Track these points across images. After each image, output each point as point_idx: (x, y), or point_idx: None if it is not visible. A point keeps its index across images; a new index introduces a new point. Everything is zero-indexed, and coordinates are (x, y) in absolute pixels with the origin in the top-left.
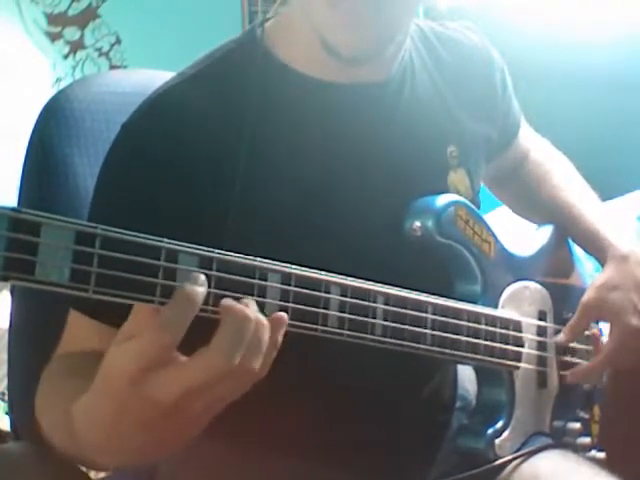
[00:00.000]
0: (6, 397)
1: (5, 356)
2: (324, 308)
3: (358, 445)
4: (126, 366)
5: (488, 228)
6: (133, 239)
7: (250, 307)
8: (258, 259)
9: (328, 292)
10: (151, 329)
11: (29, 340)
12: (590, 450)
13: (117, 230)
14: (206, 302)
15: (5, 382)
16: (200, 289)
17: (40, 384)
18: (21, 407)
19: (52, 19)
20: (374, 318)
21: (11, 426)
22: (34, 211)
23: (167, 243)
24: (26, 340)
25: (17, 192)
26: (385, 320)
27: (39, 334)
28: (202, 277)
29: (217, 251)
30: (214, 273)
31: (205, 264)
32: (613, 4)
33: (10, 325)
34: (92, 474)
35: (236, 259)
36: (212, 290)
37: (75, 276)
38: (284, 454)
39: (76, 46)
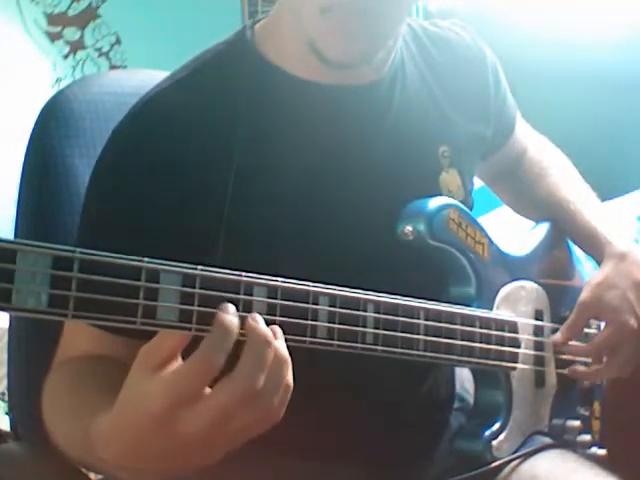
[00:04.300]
0: (6, 397)
1: (5, 356)
2: (312, 320)
3: (355, 443)
4: (157, 404)
5: (481, 229)
6: (112, 260)
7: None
8: (243, 273)
9: (316, 303)
10: (191, 363)
11: (29, 340)
12: (590, 447)
13: (95, 252)
14: (189, 320)
15: (5, 382)
16: (235, 318)
17: (46, 395)
18: (21, 407)
19: (52, 19)
20: (364, 327)
21: (11, 426)
22: (9, 238)
23: (147, 262)
24: (26, 340)
25: (17, 192)
26: (376, 328)
27: (39, 334)
28: (232, 307)
29: (200, 267)
30: (197, 291)
31: (188, 282)
32: (613, 3)
33: (10, 325)
34: (92, 474)
35: (220, 275)
36: (195, 308)
37: (54, 301)
38: (280, 453)
39: (76, 46)
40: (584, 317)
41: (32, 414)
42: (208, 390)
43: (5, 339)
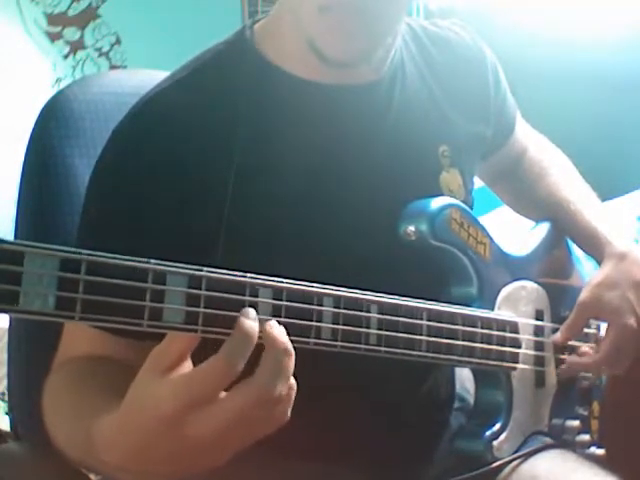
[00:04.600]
0: (6, 397)
1: (5, 356)
2: (317, 321)
3: (356, 444)
4: (166, 407)
5: (483, 229)
6: (119, 262)
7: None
8: (249, 275)
9: (321, 304)
10: (207, 368)
11: (29, 340)
12: (589, 447)
13: (102, 254)
14: (196, 322)
15: (5, 382)
16: (256, 323)
17: (46, 396)
18: (21, 407)
19: (52, 19)
20: (368, 328)
21: (11, 426)
22: (17, 240)
23: (154, 264)
24: (26, 340)
25: (17, 192)
26: (380, 329)
27: (39, 334)
28: (253, 311)
29: (206, 269)
30: (204, 292)
31: (194, 283)
32: (613, 3)
33: (10, 325)
34: (92, 475)
35: (225, 276)
36: (201, 310)
37: (61, 303)
38: (283, 454)
39: (76, 46)
40: (584, 317)
41: (32, 414)
42: (223, 393)
43: (5, 339)
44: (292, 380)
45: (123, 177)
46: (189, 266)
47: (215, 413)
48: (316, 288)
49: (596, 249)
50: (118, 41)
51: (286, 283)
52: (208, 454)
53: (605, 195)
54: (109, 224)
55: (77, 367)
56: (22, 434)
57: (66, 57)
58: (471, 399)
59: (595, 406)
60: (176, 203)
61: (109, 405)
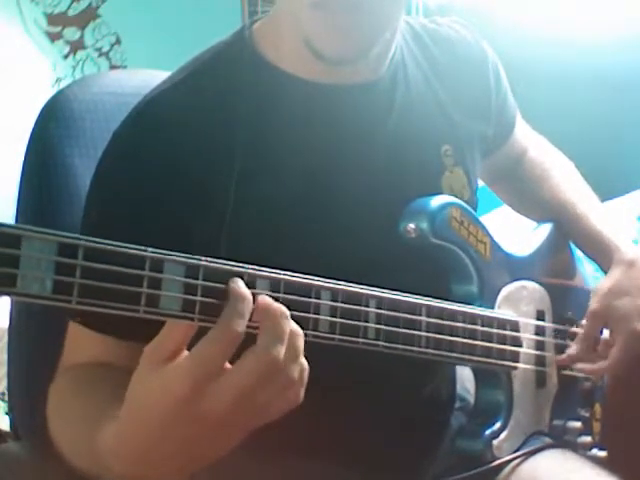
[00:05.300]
0: (6, 397)
1: (5, 356)
2: (314, 313)
3: (356, 443)
4: (178, 389)
5: (484, 228)
6: (116, 249)
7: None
8: (247, 265)
9: (318, 297)
10: (208, 341)
11: (29, 340)
12: (591, 449)
13: (100, 241)
14: (192, 310)
15: (5, 382)
16: (247, 290)
17: (51, 402)
18: (21, 407)
19: (52, 19)
20: (366, 322)
21: (11, 426)
22: (14, 224)
23: (151, 252)
24: (26, 340)
25: (17, 192)
26: (378, 324)
27: (39, 334)
28: (240, 280)
29: (204, 259)
30: (200, 282)
31: (192, 273)
32: (613, 3)
33: (10, 325)
34: None
35: (223, 266)
36: (199, 298)
37: (58, 287)
38: (282, 452)
39: (76, 46)
40: (596, 326)
41: (32, 414)
42: (229, 366)
43: (5, 339)
44: (304, 361)
45: (124, 180)
46: (187, 255)
47: (228, 382)
48: (314, 281)
49: (603, 254)
50: (118, 41)
51: (283, 275)
52: (223, 434)
53: (605, 195)
54: (110, 227)
55: (82, 374)
56: (22, 434)
57: (66, 57)
58: (471, 399)
59: (597, 408)
60: (177, 206)
61: (113, 411)
